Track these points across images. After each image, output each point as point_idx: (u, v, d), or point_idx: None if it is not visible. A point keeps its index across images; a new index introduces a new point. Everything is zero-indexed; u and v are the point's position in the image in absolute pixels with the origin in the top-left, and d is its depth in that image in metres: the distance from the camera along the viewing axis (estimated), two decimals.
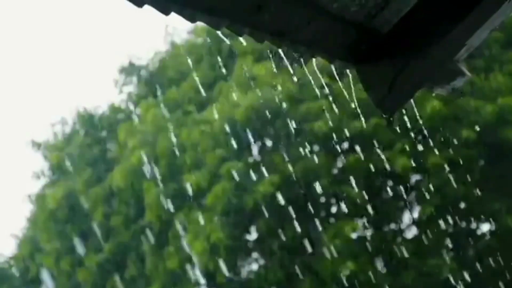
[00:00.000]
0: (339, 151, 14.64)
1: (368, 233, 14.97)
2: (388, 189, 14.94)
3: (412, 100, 2.67)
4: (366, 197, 14.18)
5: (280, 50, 2.48)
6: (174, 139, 15.46)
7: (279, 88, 14.72)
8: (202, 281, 15.32)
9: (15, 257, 19.29)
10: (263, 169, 14.34)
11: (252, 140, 14.91)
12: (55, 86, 32.45)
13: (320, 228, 14.38)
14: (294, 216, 14.05)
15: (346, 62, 2.59)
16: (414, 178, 15.02)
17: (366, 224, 14.95)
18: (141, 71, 18.88)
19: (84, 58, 31.81)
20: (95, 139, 18.60)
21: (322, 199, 15.00)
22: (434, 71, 2.62)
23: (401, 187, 14.57)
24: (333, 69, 2.64)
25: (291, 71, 14.97)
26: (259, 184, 14.19)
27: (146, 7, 1.96)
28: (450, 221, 14.28)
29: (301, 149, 14.35)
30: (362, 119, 13.69)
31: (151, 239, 15.95)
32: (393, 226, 15.29)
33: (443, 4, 2.55)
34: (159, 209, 15.40)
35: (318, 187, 14.17)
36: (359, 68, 2.60)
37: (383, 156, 13.87)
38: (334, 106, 14.04)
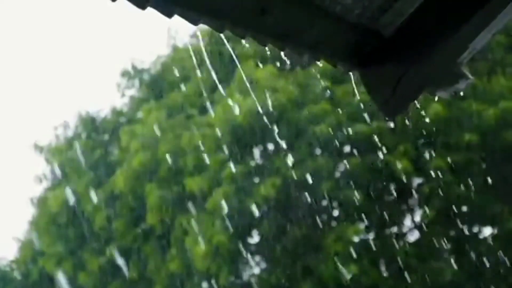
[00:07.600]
0: (341, 154, 14.61)
1: (370, 236, 14.94)
2: (390, 192, 14.91)
3: (416, 103, 2.67)
4: (368, 200, 14.17)
5: (282, 53, 2.48)
6: (176, 143, 15.45)
7: (281, 91, 14.72)
8: (204, 284, 15.30)
9: (17, 260, 19.27)
10: (265, 172, 14.33)
11: (254, 143, 14.89)
12: (58, 89, 32.48)
13: (322, 232, 14.36)
14: (296, 219, 14.02)
15: (349, 65, 2.59)
16: (416, 181, 14.99)
17: (368, 227, 14.93)
18: (143, 74, 18.87)
19: (87, 62, 31.83)
20: (97, 143, 18.58)
21: (324, 202, 14.97)
22: (437, 74, 2.62)
23: (403, 190, 14.53)
24: (336, 71, 2.63)
25: (294, 74, 14.98)
26: (260, 187, 14.18)
27: (149, 9, 1.96)
28: (452, 224, 14.25)
29: (303, 152, 14.34)
30: (365, 121, 13.67)
31: (153, 242, 15.94)
32: (395, 229, 15.25)
33: (446, 6, 2.54)
34: (161, 212, 15.39)
35: (320, 190, 14.15)
36: (362, 70, 2.59)
37: (385, 159, 13.85)
38: (336, 109, 14.03)
